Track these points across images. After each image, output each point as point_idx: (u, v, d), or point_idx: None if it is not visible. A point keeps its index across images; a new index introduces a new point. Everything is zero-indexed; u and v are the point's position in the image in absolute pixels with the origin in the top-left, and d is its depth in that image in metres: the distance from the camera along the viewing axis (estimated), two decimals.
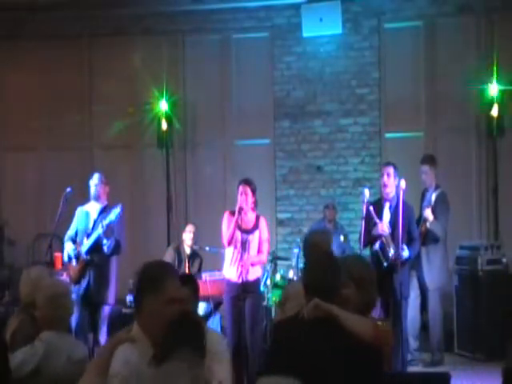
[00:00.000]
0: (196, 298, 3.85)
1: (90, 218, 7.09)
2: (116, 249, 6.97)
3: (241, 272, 6.57)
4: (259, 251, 6.66)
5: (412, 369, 6.96)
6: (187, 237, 8.26)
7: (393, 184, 6.73)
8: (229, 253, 6.73)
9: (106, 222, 6.80)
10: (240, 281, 6.56)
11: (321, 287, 3.22)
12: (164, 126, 9.21)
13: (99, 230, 6.82)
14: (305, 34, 9.16)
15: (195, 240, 8.29)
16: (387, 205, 6.75)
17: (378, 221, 6.54)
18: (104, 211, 7.04)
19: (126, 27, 9.70)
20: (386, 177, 6.74)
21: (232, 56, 9.69)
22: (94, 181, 7.19)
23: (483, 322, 7.41)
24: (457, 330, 7.70)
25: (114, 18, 9.64)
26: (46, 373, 3.90)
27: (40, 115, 9.86)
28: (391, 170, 6.77)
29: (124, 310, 8.16)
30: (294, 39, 9.40)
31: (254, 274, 6.64)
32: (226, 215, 6.74)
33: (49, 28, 9.68)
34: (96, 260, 6.88)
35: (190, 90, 9.76)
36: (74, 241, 7.07)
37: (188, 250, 8.26)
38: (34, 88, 9.93)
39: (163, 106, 9.22)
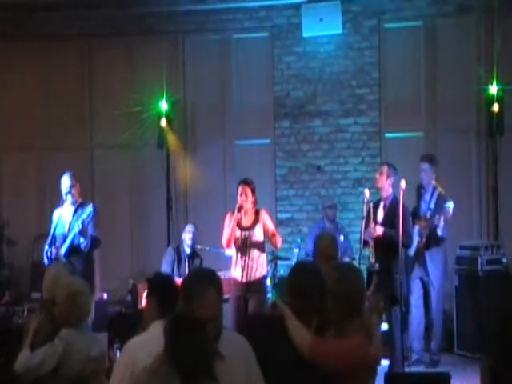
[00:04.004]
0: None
1: (65, 221, 7.10)
2: (94, 245, 7.05)
3: (244, 271, 6.59)
4: (272, 236, 6.67)
5: (412, 369, 6.98)
6: (187, 237, 8.27)
7: (384, 183, 6.83)
8: (234, 253, 6.76)
9: (79, 221, 6.83)
10: (244, 280, 6.57)
11: (298, 290, 3.32)
12: (164, 125, 9.22)
13: (75, 230, 6.84)
14: (305, 34, 9.15)
15: (195, 240, 8.30)
16: (381, 204, 6.81)
17: (372, 224, 6.62)
18: (77, 211, 7.06)
19: (126, 27, 9.69)
20: (378, 174, 6.89)
21: (232, 56, 9.68)
22: (66, 186, 7.10)
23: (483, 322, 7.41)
24: (457, 330, 7.71)
25: (114, 18, 9.63)
26: (65, 370, 3.98)
27: (40, 115, 9.86)
28: (385, 168, 6.90)
29: (124, 310, 8.15)
30: (294, 39, 9.39)
31: (258, 272, 6.64)
32: (228, 216, 6.76)
33: (49, 28, 9.68)
34: (74, 262, 6.87)
35: (190, 90, 9.76)
36: (53, 245, 7.07)
37: (188, 250, 8.26)
38: (33, 88, 9.93)
39: (163, 106, 9.22)
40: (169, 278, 3.93)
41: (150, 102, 9.25)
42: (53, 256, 6.96)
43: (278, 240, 6.71)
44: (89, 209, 6.87)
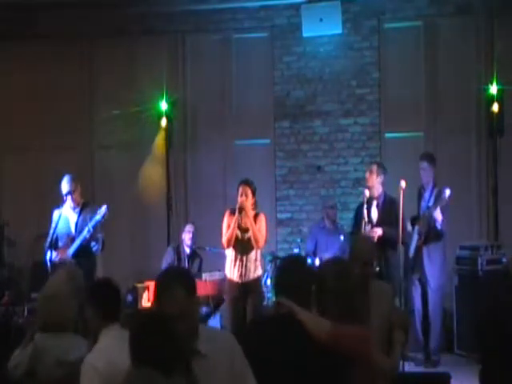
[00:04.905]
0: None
1: (70, 222, 7.08)
2: (103, 247, 7.05)
3: (242, 272, 6.59)
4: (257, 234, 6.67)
5: (412, 369, 6.97)
6: (186, 237, 8.28)
7: (374, 181, 6.92)
8: (229, 252, 6.76)
9: (92, 223, 6.80)
10: (241, 280, 6.58)
11: (287, 286, 3.25)
12: (164, 125, 9.23)
13: (85, 234, 6.82)
14: (305, 34, 9.15)
15: (194, 240, 8.30)
16: (374, 203, 6.85)
17: (368, 226, 6.66)
18: (83, 211, 7.04)
19: (126, 27, 9.69)
20: (368, 174, 7.00)
21: (232, 56, 9.69)
22: (65, 188, 7.09)
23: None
24: (457, 330, 7.71)
25: (114, 18, 9.63)
26: (39, 374, 3.90)
27: (40, 115, 9.85)
28: (374, 167, 7.01)
29: (124, 310, 8.14)
30: (294, 39, 9.39)
31: (255, 273, 6.65)
32: (227, 214, 6.77)
33: (49, 28, 9.68)
34: (83, 263, 6.87)
35: (190, 90, 9.76)
36: (54, 246, 7.06)
37: (188, 250, 8.27)
38: (34, 88, 9.92)
39: (163, 106, 9.23)
40: (106, 284, 3.81)
41: (150, 102, 9.25)
42: (56, 259, 6.96)
43: (261, 240, 6.68)
44: (103, 210, 6.86)
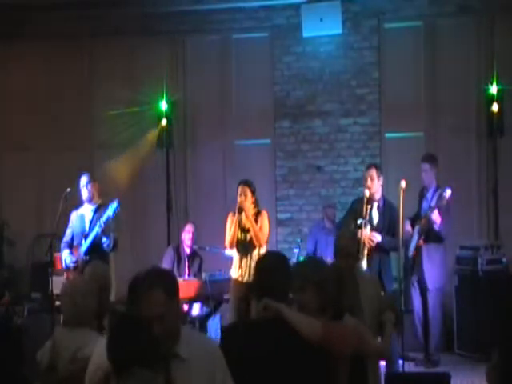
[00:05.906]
0: None
1: (85, 220, 7.12)
2: (115, 245, 7.03)
3: (245, 272, 6.60)
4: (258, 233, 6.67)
5: (412, 369, 6.98)
6: (186, 237, 8.27)
7: (377, 185, 6.87)
8: (235, 253, 6.78)
9: (103, 219, 6.83)
10: (245, 280, 6.59)
11: (271, 287, 3.16)
12: (164, 125, 9.23)
13: (97, 229, 6.84)
14: (305, 34, 9.16)
15: (194, 240, 8.30)
16: (375, 205, 6.83)
17: (367, 228, 6.65)
18: (99, 210, 7.06)
19: (126, 27, 9.69)
20: (369, 180, 6.87)
21: (232, 56, 9.69)
22: (83, 182, 7.20)
23: (483, 322, 7.41)
24: (457, 330, 7.71)
25: (113, 18, 9.63)
26: (59, 368, 3.98)
27: (40, 115, 9.85)
28: (373, 172, 6.91)
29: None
30: (294, 39, 9.39)
31: None
32: (230, 216, 6.79)
33: (49, 28, 9.68)
34: (95, 260, 6.89)
35: (190, 90, 9.76)
36: (70, 245, 7.09)
37: (188, 250, 8.26)
38: (33, 88, 9.92)
39: (163, 106, 9.23)
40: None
41: (150, 102, 9.25)
42: (73, 260, 6.98)
43: (263, 238, 6.69)
44: (114, 205, 6.87)
